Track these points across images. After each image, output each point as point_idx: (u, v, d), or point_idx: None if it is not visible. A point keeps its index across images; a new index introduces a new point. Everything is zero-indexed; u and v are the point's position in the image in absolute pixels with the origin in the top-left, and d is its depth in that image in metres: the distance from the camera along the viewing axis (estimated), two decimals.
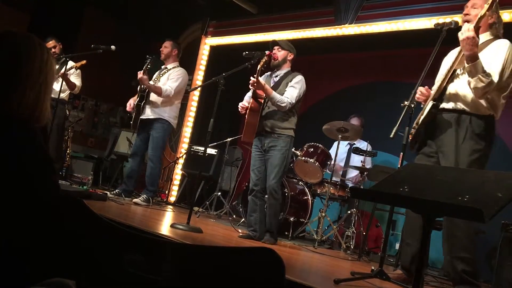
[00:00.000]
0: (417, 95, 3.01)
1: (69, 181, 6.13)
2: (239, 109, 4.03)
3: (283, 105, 3.78)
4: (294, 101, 3.83)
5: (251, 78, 3.73)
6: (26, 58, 1.37)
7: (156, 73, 5.31)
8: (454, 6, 4.40)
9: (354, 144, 5.45)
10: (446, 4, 4.60)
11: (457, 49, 3.10)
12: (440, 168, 2.53)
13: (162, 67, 5.34)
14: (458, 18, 3.06)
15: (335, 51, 6.47)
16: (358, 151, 5.01)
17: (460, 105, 2.87)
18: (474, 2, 2.92)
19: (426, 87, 3.06)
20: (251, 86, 3.76)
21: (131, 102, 5.18)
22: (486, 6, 2.73)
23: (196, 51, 7.18)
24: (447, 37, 2.95)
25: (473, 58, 2.65)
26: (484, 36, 2.92)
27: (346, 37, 5.57)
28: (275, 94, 3.78)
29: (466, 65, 2.69)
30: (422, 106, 3.05)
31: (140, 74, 4.89)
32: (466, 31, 2.62)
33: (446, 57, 3.13)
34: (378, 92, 5.97)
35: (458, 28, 2.97)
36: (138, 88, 5.22)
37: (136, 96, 5.17)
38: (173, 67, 5.25)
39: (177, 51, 5.37)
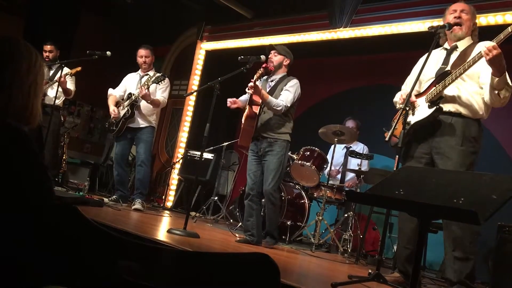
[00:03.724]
0: (400, 100, 3.05)
1: (65, 187, 6.12)
2: (228, 104, 4.03)
3: (278, 108, 3.81)
4: (288, 104, 3.85)
5: (250, 83, 3.74)
6: (11, 60, 1.36)
7: (137, 81, 5.27)
8: None
9: (351, 147, 5.47)
10: (440, 7, 4.62)
11: (436, 52, 3.12)
12: (436, 171, 2.54)
13: (141, 73, 5.31)
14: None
15: (330, 55, 6.48)
16: (354, 154, 5.02)
17: (457, 109, 2.89)
18: (463, 8, 3.02)
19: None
20: (249, 90, 3.77)
21: (115, 109, 5.17)
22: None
23: (191, 56, 7.20)
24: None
25: (502, 72, 2.67)
26: (467, 40, 3.00)
27: (341, 40, 5.60)
28: (271, 99, 3.80)
29: (496, 78, 2.69)
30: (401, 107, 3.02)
31: (144, 91, 4.88)
32: (493, 49, 2.58)
33: (423, 58, 3.07)
34: (373, 95, 5.98)
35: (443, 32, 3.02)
36: (127, 96, 5.21)
37: (126, 104, 5.15)
38: (155, 74, 5.21)
39: (154, 57, 5.41)
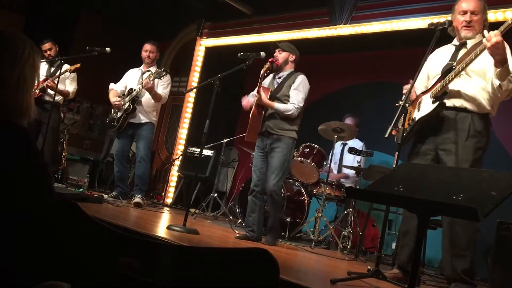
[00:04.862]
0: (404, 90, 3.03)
1: (65, 184, 6.12)
2: (243, 105, 4.08)
3: (290, 113, 3.80)
4: (301, 104, 3.84)
5: (258, 90, 3.76)
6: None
7: (138, 77, 5.29)
8: (448, 6, 4.38)
9: (347, 144, 5.47)
10: (440, 4, 4.62)
11: (446, 47, 3.11)
12: (435, 167, 2.54)
13: (143, 69, 5.32)
14: (451, 17, 3.07)
15: (330, 52, 6.48)
16: (354, 151, 5.02)
17: (462, 104, 2.87)
18: (474, 9, 2.94)
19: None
20: (257, 94, 3.78)
21: (118, 98, 5.18)
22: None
23: (191, 53, 7.18)
24: (440, 37, 2.96)
25: (503, 62, 2.64)
26: (478, 37, 2.95)
27: (341, 37, 5.58)
28: (278, 106, 3.80)
29: (497, 69, 2.67)
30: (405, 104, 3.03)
31: (149, 84, 4.88)
32: (494, 36, 2.55)
33: (433, 54, 3.09)
34: (373, 92, 5.98)
35: (451, 27, 3.00)
36: (128, 91, 5.21)
37: (127, 99, 5.16)
38: (157, 71, 5.23)
39: (159, 54, 5.42)
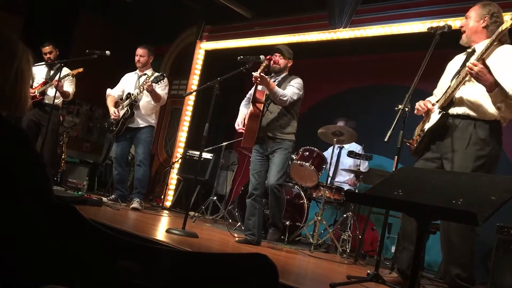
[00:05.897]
0: (416, 110, 3.03)
1: (64, 187, 6.11)
2: (236, 127, 4.07)
3: (284, 99, 3.80)
4: (295, 97, 3.86)
5: (253, 73, 3.70)
6: None
7: (134, 81, 5.31)
8: (447, 10, 4.43)
9: (343, 147, 5.47)
10: (439, 8, 4.63)
11: (461, 56, 3.10)
12: (435, 172, 2.54)
13: (139, 73, 5.34)
14: (451, 21, 3.09)
15: (329, 55, 6.49)
16: (353, 154, 5.01)
17: (466, 111, 2.84)
18: (468, 13, 2.98)
19: (427, 100, 3.06)
20: (254, 81, 3.73)
21: (116, 111, 5.19)
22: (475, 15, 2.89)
23: (191, 56, 7.19)
24: (440, 41, 2.96)
25: (492, 86, 2.62)
26: (483, 44, 2.87)
27: (340, 41, 5.59)
28: (277, 89, 3.80)
29: (490, 93, 2.66)
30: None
31: (151, 87, 4.89)
32: (474, 67, 2.58)
33: (451, 62, 3.12)
34: (373, 96, 5.98)
35: (451, 31, 3.01)
36: (126, 96, 5.22)
37: (125, 104, 5.16)
38: (153, 74, 5.23)
39: (153, 57, 5.42)
